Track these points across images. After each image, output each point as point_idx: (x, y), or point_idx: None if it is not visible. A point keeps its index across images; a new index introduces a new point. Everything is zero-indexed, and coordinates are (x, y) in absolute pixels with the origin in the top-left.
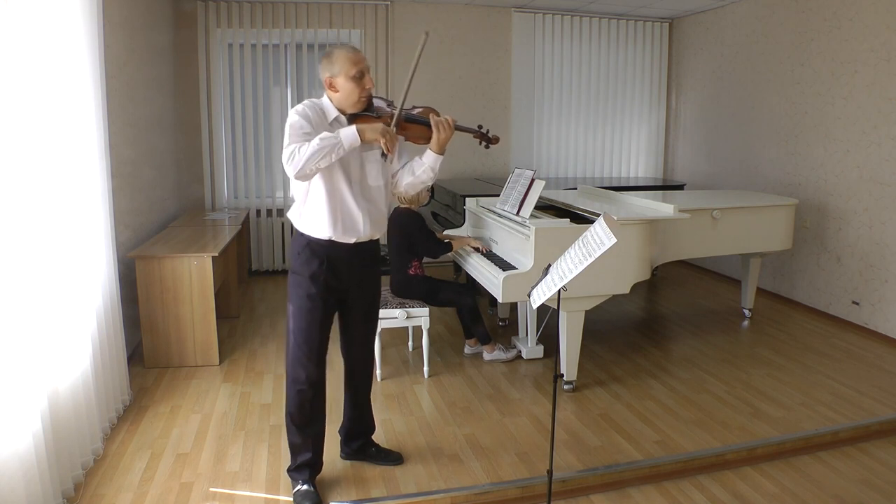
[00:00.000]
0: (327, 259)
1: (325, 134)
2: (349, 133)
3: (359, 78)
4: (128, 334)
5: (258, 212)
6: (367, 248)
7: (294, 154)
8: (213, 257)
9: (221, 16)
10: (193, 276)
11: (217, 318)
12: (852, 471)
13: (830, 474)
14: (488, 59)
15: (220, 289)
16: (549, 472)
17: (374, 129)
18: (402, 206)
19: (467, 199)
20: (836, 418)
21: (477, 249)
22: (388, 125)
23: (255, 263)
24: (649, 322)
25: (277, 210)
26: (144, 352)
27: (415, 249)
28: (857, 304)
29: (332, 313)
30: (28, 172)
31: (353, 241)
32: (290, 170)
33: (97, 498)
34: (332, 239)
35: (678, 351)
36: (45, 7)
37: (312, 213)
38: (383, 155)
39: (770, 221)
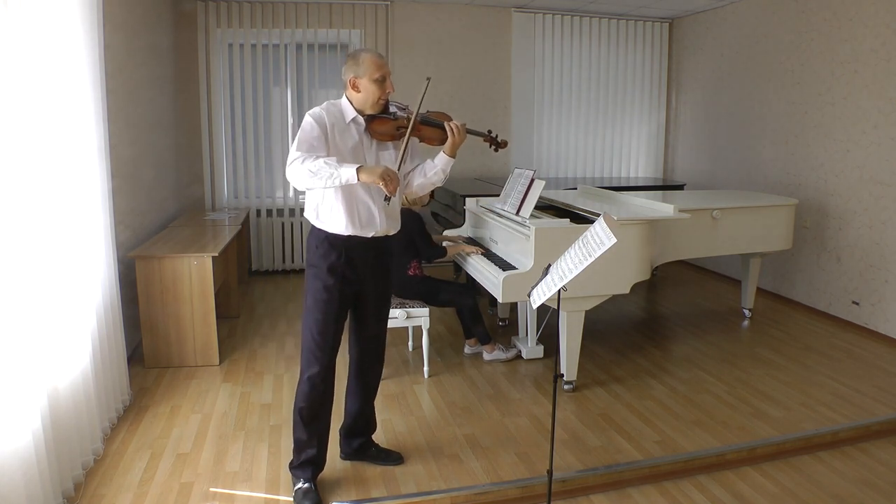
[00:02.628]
0: (345, 252)
1: (329, 160)
2: (348, 172)
3: (381, 81)
4: (128, 334)
5: (258, 212)
6: (382, 243)
7: (294, 165)
8: (213, 257)
9: (221, 16)
10: (193, 276)
11: (217, 318)
12: (852, 471)
13: (830, 474)
14: (488, 59)
15: (220, 289)
16: (549, 472)
17: (372, 172)
18: (403, 206)
19: (467, 199)
20: (836, 418)
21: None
22: (405, 127)
23: (255, 263)
24: (649, 322)
25: (277, 210)
26: (144, 352)
27: (414, 250)
28: (857, 304)
29: (347, 307)
30: (28, 172)
31: (370, 235)
32: (290, 178)
33: (97, 498)
34: (352, 234)
35: (678, 351)
36: (45, 7)
37: (331, 211)
38: (386, 198)
39: (770, 221)
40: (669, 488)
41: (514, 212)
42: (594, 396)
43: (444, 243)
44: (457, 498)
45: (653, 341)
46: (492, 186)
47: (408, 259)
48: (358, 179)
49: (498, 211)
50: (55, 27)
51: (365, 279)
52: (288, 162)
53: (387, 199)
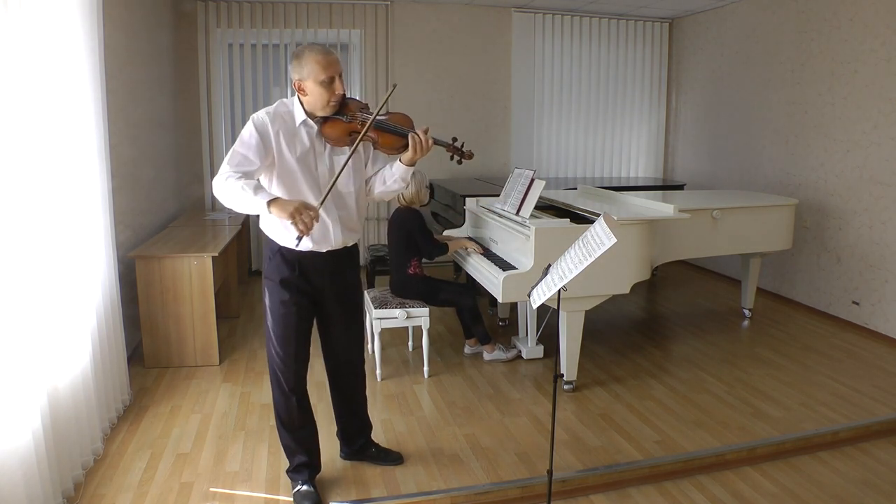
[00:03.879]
0: (299, 266)
1: (247, 185)
2: (259, 202)
3: (328, 83)
4: (128, 334)
5: None
6: (341, 256)
7: (218, 181)
8: (213, 257)
9: (221, 16)
10: (193, 276)
11: (217, 318)
12: (852, 471)
13: (830, 474)
14: (488, 59)
15: (220, 289)
16: (549, 472)
17: (285, 207)
18: (403, 204)
19: (467, 199)
20: (836, 418)
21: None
22: (359, 131)
23: (255, 263)
24: (649, 322)
25: None
26: (144, 352)
27: (415, 248)
28: (857, 304)
29: (308, 318)
30: (28, 173)
31: (325, 250)
32: (214, 190)
33: (97, 498)
34: (301, 249)
35: (678, 351)
36: (45, 8)
37: (282, 223)
38: (297, 237)
39: (770, 221)
40: (669, 488)
41: (514, 212)
42: (594, 396)
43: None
44: (457, 498)
45: (653, 341)
46: (492, 186)
47: (408, 258)
48: (269, 212)
49: (498, 211)
50: (55, 27)
51: (324, 292)
52: (218, 173)
53: (298, 238)
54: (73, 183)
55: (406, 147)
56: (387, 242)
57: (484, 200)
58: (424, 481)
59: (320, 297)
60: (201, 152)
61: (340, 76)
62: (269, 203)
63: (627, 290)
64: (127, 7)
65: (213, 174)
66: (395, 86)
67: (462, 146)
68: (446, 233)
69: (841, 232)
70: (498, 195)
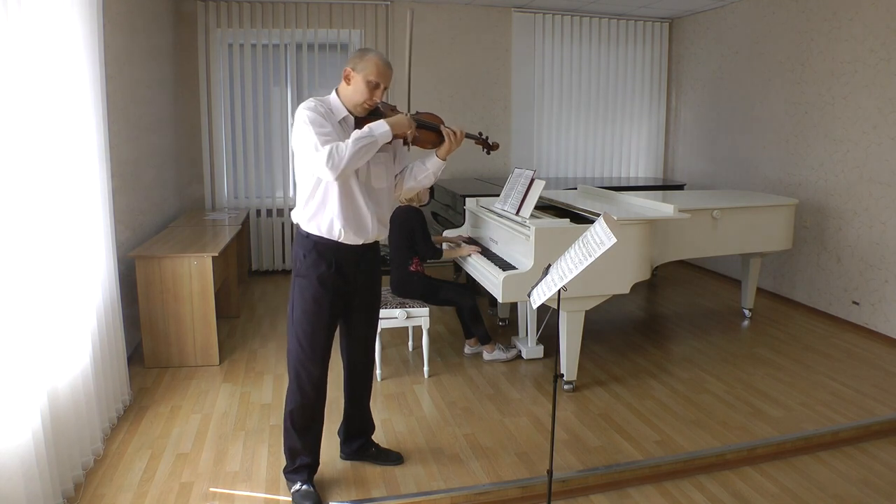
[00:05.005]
0: (335, 261)
1: (357, 133)
2: (382, 130)
3: (374, 86)
4: (128, 334)
5: (258, 212)
6: (371, 250)
7: (332, 155)
8: (213, 257)
9: (221, 16)
10: (193, 276)
11: (217, 318)
12: (852, 471)
13: (830, 474)
14: (488, 59)
15: (220, 289)
16: (549, 472)
17: (401, 123)
18: (403, 203)
19: (467, 199)
20: (836, 418)
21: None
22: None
23: (255, 263)
24: (649, 322)
25: (277, 210)
26: (144, 352)
27: (415, 246)
28: (857, 304)
29: (338, 316)
30: (29, 173)
31: (360, 242)
32: (331, 172)
33: (97, 498)
34: (342, 241)
35: (678, 351)
36: (45, 8)
37: (323, 215)
38: (406, 143)
39: (770, 221)
40: (669, 488)
41: (514, 212)
42: (594, 396)
43: (444, 245)
44: (457, 498)
45: (653, 341)
46: (492, 186)
47: (410, 255)
48: (392, 135)
49: (498, 211)
50: (55, 28)
51: (355, 287)
52: (322, 157)
53: (406, 144)
54: (73, 183)
55: (441, 142)
56: (387, 241)
57: (484, 200)
58: (424, 481)
59: (351, 292)
60: (201, 152)
61: (385, 89)
62: (389, 124)
63: (627, 290)
64: (127, 7)
65: (213, 174)
66: (412, 11)
67: (487, 138)
68: (446, 233)
69: (841, 232)
70: (498, 195)
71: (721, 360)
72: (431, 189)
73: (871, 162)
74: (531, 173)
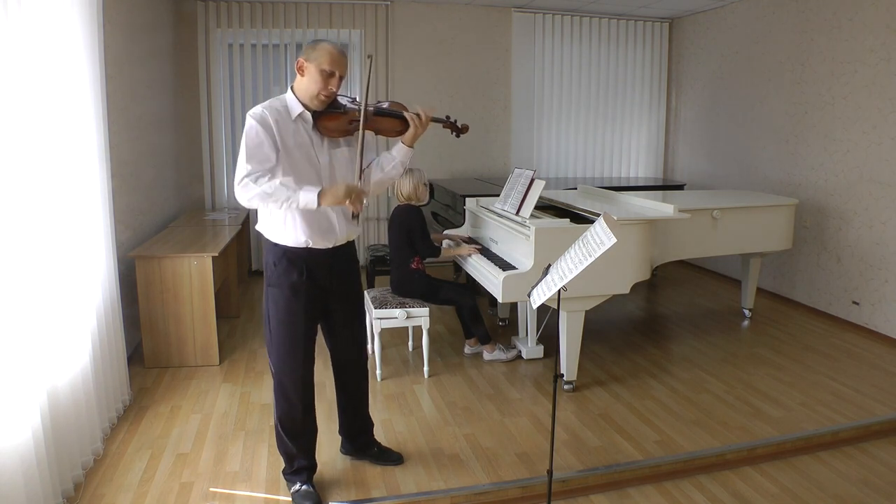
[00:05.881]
0: (306, 267)
1: (287, 181)
2: (308, 197)
3: (328, 75)
4: (128, 334)
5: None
6: (343, 251)
7: (247, 184)
8: (213, 257)
9: (221, 16)
10: (193, 276)
11: (217, 318)
12: (852, 471)
13: (830, 474)
14: (488, 59)
15: (220, 289)
16: (549, 472)
17: (335, 194)
18: (402, 202)
19: (467, 199)
20: (836, 418)
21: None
22: (358, 120)
23: (255, 263)
24: (649, 322)
25: None
26: (144, 352)
27: (415, 245)
28: (857, 304)
29: (315, 322)
30: (29, 173)
31: (331, 245)
32: (239, 196)
33: (97, 498)
34: (310, 246)
35: (678, 351)
36: (45, 8)
37: (286, 221)
38: (354, 216)
39: (770, 221)
40: (669, 488)
41: (514, 212)
42: (594, 396)
43: (445, 243)
44: (457, 498)
45: (653, 341)
46: (492, 186)
47: (410, 254)
48: (319, 205)
49: (498, 211)
50: (55, 28)
51: (330, 291)
52: (237, 178)
53: (354, 216)
54: (73, 183)
55: (405, 129)
56: (387, 241)
57: (484, 200)
58: (424, 481)
59: (326, 297)
60: (201, 152)
61: (341, 78)
62: (319, 195)
63: (627, 290)
64: (127, 7)
65: (213, 174)
66: (370, 57)
67: (456, 121)
68: (447, 232)
69: (841, 232)
70: (498, 195)
71: (721, 360)
72: (431, 189)
73: (871, 162)
74: (531, 173)
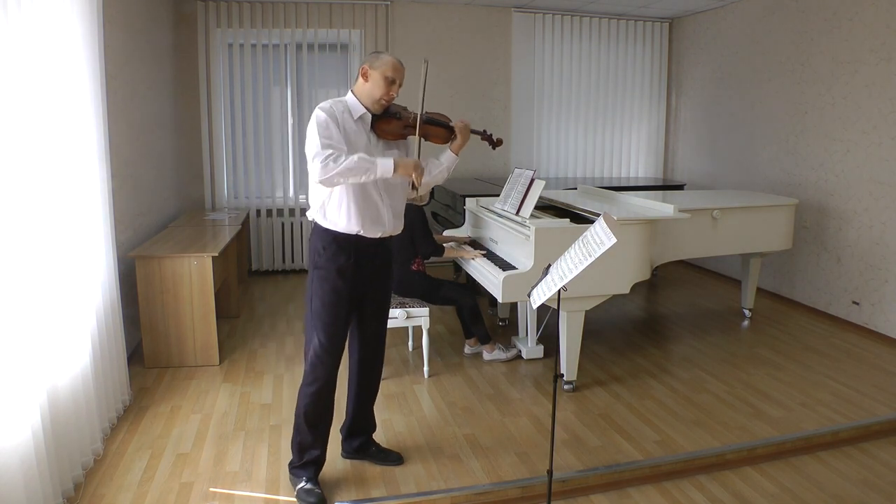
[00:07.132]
0: (354, 253)
1: (363, 156)
2: (386, 165)
3: (390, 82)
4: (128, 334)
5: (258, 212)
6: (385, 247)
7: (328, 163)
8: (213, 257)
9: (221, 16)
10: (193, 276)
11: (217, 318)
12: (852, 471)
13: (830, 474)
14: (488, 59)
15: (220, 289)
16: (549, 472)
17: (407, 165)
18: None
19: (467, 199)
20: (836, 418)
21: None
22: (412, 126)
23: (255, 263)
24: (649, 322)
25: (277, 210)
26: (144, 352)
27: (416, 244)
28: (857, 304)
29: (354, 310)
30: (29, 173)
31: (378, 235)
32: (318, 175)
33: (97, 498)
34: (360, 233)
35: (678, 351)
36: (45, 8)
37: (340, 209)
38: (413, 187)
39: (770, 221)
40: (669, 488)
41: (514, 212)
42: (594, 396)
43: (447, 244)
44: (457, 498)
45: (653, 341)
46: (492, 186)
47: (412, 254)
48: (394, 173)
49: (498, 211)
50: (55, 28)
51: (371, 281)
52: (317, 162)
53: (414, 188)
54: (73, 183)
55: (451, 138)
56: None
57: (484, 200)
58: (424, 481)
59: (366, 287)
60: (201, 152)
61: (400, 86)
62: (395, 164)
63: (627, 290)
64: (127, 7)
65: (213, 174)
66: (426, 62)
67: (492, 135)
68: (447, 233)
69: (841, 232)
70: (498, 195)
71: (721, 360)
72: (432, 189)
73: (871, 162)
74: (531, 173)
